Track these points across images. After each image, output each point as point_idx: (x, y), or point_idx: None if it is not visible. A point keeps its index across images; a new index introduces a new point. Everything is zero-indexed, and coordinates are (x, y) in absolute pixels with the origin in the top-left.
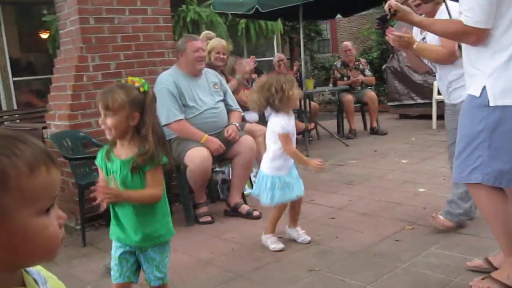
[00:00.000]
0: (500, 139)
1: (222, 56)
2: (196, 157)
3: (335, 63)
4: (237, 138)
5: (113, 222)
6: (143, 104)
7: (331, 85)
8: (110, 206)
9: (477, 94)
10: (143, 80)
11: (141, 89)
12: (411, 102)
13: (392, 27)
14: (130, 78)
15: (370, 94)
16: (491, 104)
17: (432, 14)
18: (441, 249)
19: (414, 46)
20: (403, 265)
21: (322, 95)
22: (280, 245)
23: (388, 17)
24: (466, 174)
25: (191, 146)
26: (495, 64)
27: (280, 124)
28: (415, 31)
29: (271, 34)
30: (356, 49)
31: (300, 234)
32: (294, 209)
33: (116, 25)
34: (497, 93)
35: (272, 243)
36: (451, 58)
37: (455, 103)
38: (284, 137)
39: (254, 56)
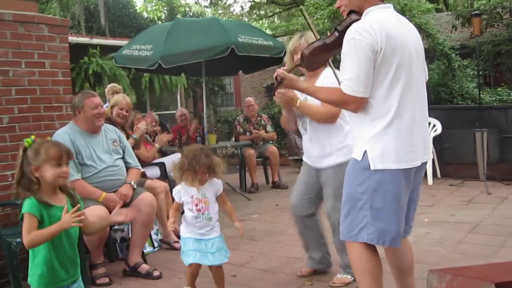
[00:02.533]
0: (380, 200)
1: (124, 113)
2: (92, 216)
3: (238, 118)
4: (127, 200)
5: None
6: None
7: (233, 139)
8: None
9: (359, 158)
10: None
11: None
12: None
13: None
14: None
15: (272, 148)
16: (371, 168)
17: (315, 75)
18: None
19: (297, 104)
20: None
21: (225, 149)
22: None
23: (275, 85)
24: (355, 233)
25: (88, 205)
26: (374, 130)
27: (176, 189)
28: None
29: (175, 88)
30: (258, 104)
31: None
32: (213, 277)
33: (10, 77)
34: (376, 158)
35: None
36: (332, 119)
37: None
38: (175, 203)
39: (151, 113)
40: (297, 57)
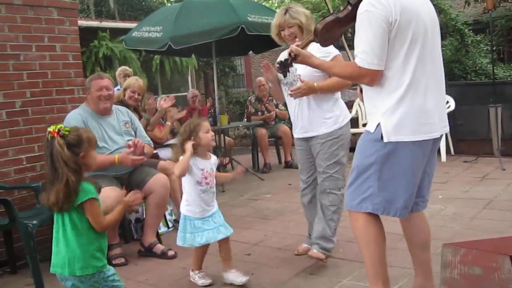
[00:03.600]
0: (389, 172)
1: (136, 96)
2: (108, 197)
3: (249, 98)
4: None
5: None
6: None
7: (245, 120)
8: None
9: (372, 130)
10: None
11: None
12: None
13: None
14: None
15: (284, 128)
16: (385, 140)
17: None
18: (354, 280)
19: (317, 88)
20: None
21: (237, 129)
22: (208, 280)
23: (289, 61)
24: (357, 203)
25: (102, 186)
26: (389, 103)
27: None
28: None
29: (186, 69)
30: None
31: (236, 275)
32: (221, 252)
33: (22, 62)
34: (390, 130)
35: (200, 278)
36: (346, 82)
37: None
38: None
39: (173, 97)
40: (284, 33)
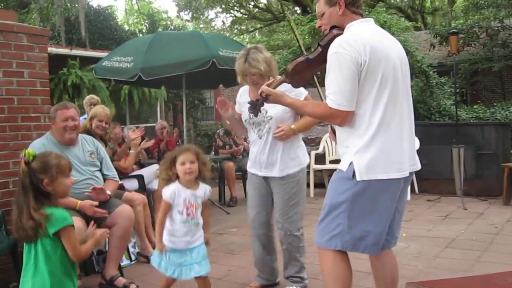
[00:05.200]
0: (360, 209)
1: (104, 125)
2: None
3: (218, 131)
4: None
5: None
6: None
7: (213, 153)
8: None
9: (344, 169)
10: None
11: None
12: None
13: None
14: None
15: None
16: (357, 179)
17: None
18: None
19: (295, 130)
20: None
21: None
22: None
23: (260, 101)
24: (326, 240)
25: None
26: (361, 142)
27: (171, 189)
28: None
29: (155, 100)
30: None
31: None
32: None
33: None
34: (362, 169)
35: None
36: (317, 121)
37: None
38: (164, 203)
39: (142, 128)
40: (247, 79)
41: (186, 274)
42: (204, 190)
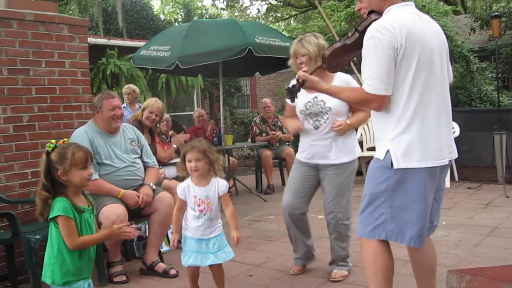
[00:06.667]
0: (400, 199)
1: (154, 117)
2: (111, 214)
3: (254, 118)
4: (150, 200)
5: None
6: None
7: (249, 140)
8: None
9: (381, 157)
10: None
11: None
12: None
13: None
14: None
15: (288, 150)
16: (394, 167)
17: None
18: None
19: (351, 124)
20: None
21: (241, 150)
22: None
23: (297, 87)
24: (369, 230)
25: (106, 203)
26: (398, 129)
27: (182, 186)
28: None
29: (191, 89)
30: (275, 105)
31: None
32: (214, 277)
33: (31, 77)
34: (399, 157)
35: None
36: (367, 116)
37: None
38: (178, 199)
39: (189, 136)
40: (298, 60)
41: (201, 261)
42: (215, 186)
